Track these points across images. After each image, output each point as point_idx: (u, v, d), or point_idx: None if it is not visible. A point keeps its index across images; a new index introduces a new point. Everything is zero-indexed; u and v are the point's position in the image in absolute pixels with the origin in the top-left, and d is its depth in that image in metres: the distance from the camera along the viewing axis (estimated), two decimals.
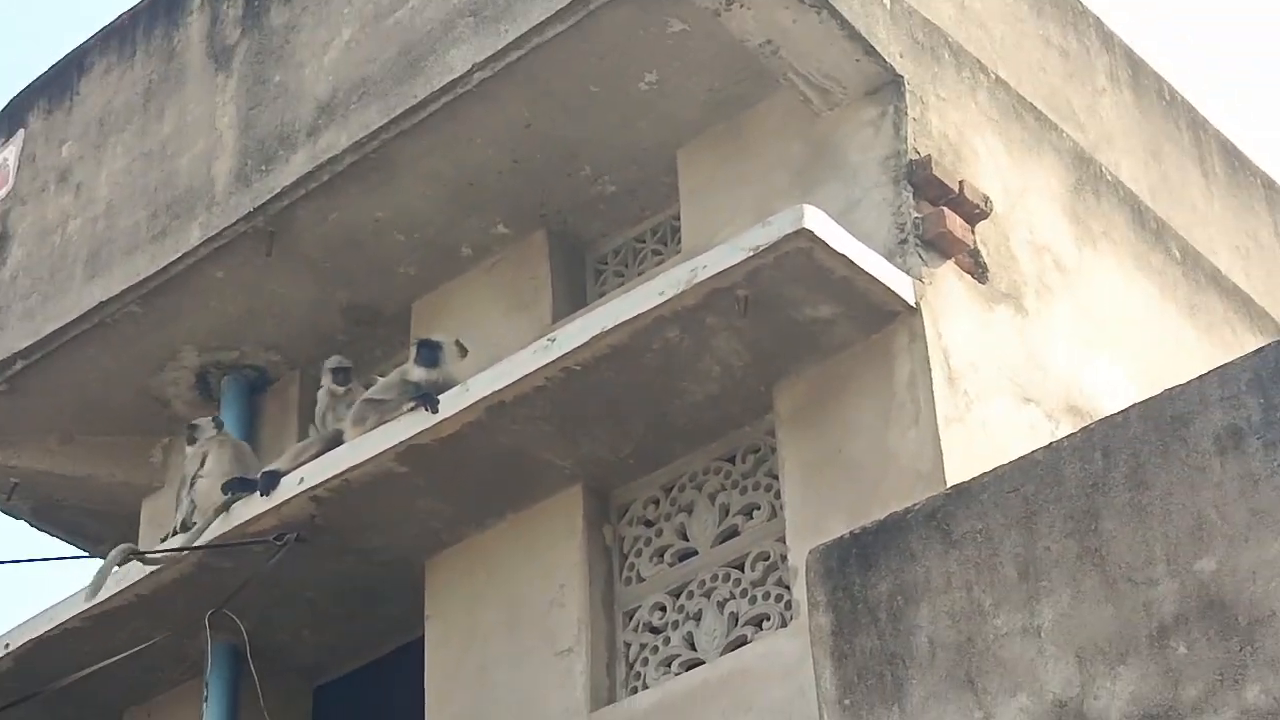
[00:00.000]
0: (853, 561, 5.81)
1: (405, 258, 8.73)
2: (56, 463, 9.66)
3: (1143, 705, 5.16)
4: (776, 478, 7.34)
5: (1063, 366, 7.69)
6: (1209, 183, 9.68)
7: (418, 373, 7.84)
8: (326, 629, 8.49)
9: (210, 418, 8.88)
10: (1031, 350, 7.56)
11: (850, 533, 5.89)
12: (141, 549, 8.45)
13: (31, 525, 10.07)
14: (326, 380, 8.49)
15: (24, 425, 9.54)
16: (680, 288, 7.04)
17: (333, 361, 8.51)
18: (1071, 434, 5.71)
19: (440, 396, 7.59)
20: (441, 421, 7.52)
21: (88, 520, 9.93)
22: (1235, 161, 10.02)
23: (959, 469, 6.65)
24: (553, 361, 7.29)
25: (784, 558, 7.16)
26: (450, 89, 8.02)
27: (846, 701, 5.64)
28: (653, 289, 7.16)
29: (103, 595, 8.18)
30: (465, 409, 7.49)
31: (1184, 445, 5.36)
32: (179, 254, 8.76)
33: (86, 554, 10.06)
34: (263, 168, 8.60)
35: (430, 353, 7.89)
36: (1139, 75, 9.51)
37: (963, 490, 5.76)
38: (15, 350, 9.25)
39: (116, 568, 8.24)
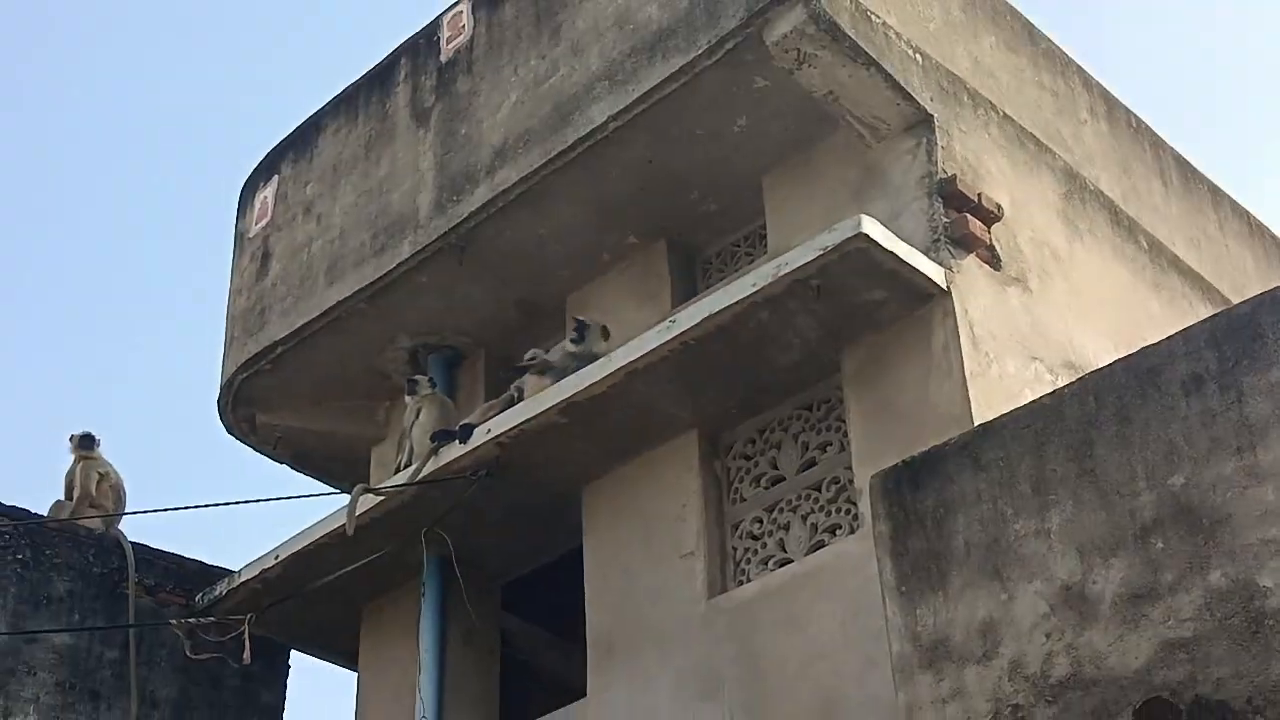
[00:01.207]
0: (905, 483, 5.78)
1: (560, 263, 8.74)
2: (308, 421, 9.76)
3: (1130, 588, 5.09)
4: (844, 421, 7.31)
5: (1060, 332, 7.59)
6: (1167, 190, 9.53)
7: (571, 346, 7.86)
8: (509, 542, 8.52)
9: (427, 377, 8.94)
10: (1035, 320, 7.47)
11: (902, 461, 5.85)
12: (372, 485, 8.52)
13: (291, 467, 10.18)
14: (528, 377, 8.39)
15: (283, 395, 9.65)
16: (768, 280, 7.02)
17: (531, 353, 8.42)
18: (1069, 383, 5.65)
19: (591, 366, 7.61)
20: (594, 384, 7.54)
21: (332, 464, 10.02)
22: (1187, 172, 9.85)
23: (983, 412, 6.60)
24: (674, 338, 7.29)
25: (851, 482, 7.13)
26: (592, 136, 8.02)
27: (903, 589, 5.61)
28: (747, 282, 7.14)
29: (349, 523, 8.23)
30: (609, 374, 7.50)
31: (1157, 389, 5.28)
32: (394, 265, 8.83)
33: (332, 490, 10.17)
34: (454, 199, 8.63)
35: (582, 330, 7.91)
36: (1112, 109, 9.38)
37: (987, 428, 5.71)
38: (275, 339, 9.35)
39: (361, 500, 8.29)
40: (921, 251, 7.07)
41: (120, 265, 27.13)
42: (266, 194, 10.03)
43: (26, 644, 8.55)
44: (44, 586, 8.78)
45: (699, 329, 7.21)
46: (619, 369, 7.46)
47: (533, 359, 8.15)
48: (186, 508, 8.39)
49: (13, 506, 8.94)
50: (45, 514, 9.30)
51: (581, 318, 8.05)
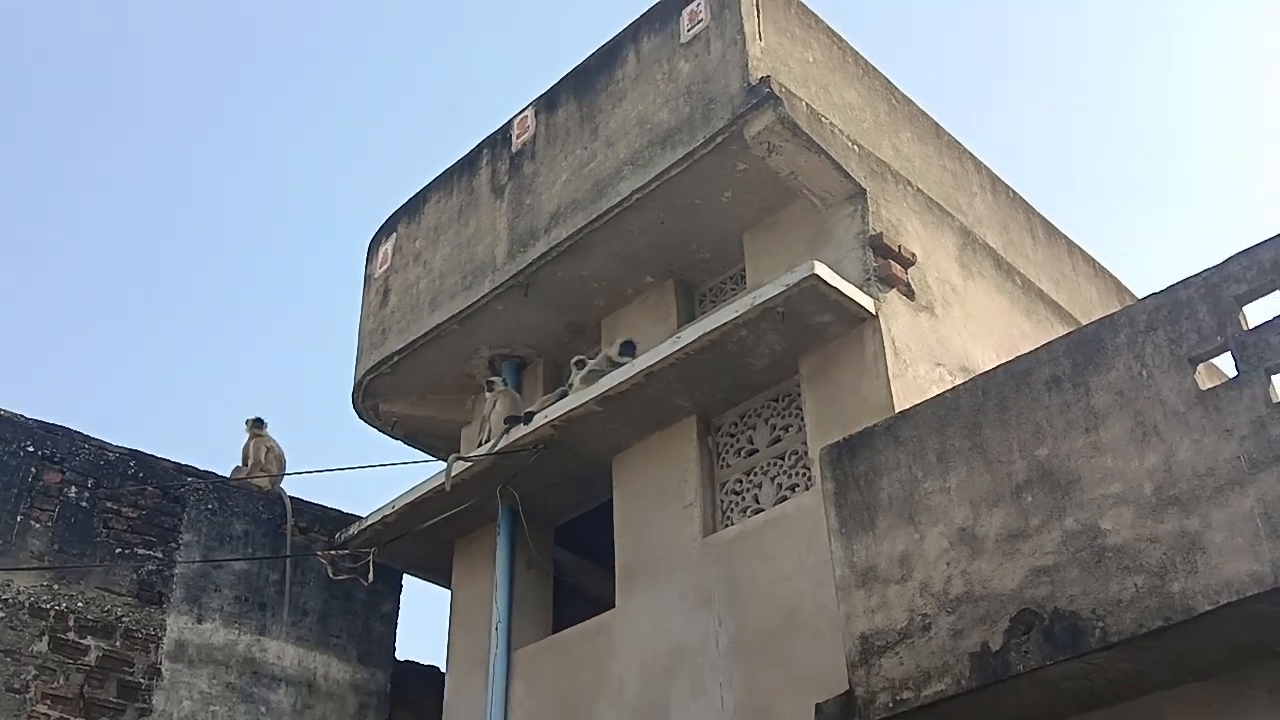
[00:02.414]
0: (845, 454, 5.76)
1: (597, 296, 8.71)
2: (416, 409, 9.74)
3: (1008, 529, 5.06)
4: (801, 409, 7.27)
5: (958, 345, 7.53)
6: (1035, 242, 9.46)
7: (619, 357, 7.83)
8: (561, 495, 8.50)
9: (500, 378, 8.94)
10: (940, 337, 7.42)
11: (843, 438, 5.83)
12: (463, 455, 8.52)
13: (404, 443, 10.17)
14: (575, 371, 8.34)
15: (400, 390, 9.62)
16: (746, 308, 6.99)
17: (577, 359, 8.40)
18: (964, 382, 5.62)
19: (620, 369, 7.58)
20: (620, 383, 7.51)
21: (432, 440, 9.98)
22: (1050, 230, 9.78)
23: (901, 403, 6.57)
24: (679, 349, 7.26)
25: (806, 453, 7.09)
26: (620, 204, 7.99)
27: (843, 530, 5.59)
28: (732, 309, 7.11)
29: (447, 482, 8.24)
30: (632, 375, 7.47)
31: (1028, 386, 5.26)
32: (477, 297, 8.80)
33: (432, 459, 10.16)
34: (521, 250, 8.61)
35: (629, 346, 7.89)
36: (995, 184, 9.32)
37: (904, 414, 5.69)
38: (394, 350, 9.32)
39: (454, 466, 8.28)
40: (857, 287, 7.03)
41: (288, 300, 27.18)
42: (387, 246, 10.04)
43: (214, 570, 8.57)
44: (227, 528, 8.79)
45: (697, 343, 7.20)
46: (640, 371, 7.45)
47: (580, 363, 8.12)
48: (329, 470, 8.42)
49: (207, 471, 8.96)
50: (228, 476, 9.31)
51: (630, 339, 8.00)
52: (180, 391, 25.05)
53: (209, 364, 25.86)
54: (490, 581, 8.42)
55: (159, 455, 8.74)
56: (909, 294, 7.34)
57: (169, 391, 24.97)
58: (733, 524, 7.31)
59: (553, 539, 8.89)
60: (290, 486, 9.49)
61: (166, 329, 25.78)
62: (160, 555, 8.37)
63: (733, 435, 7.66)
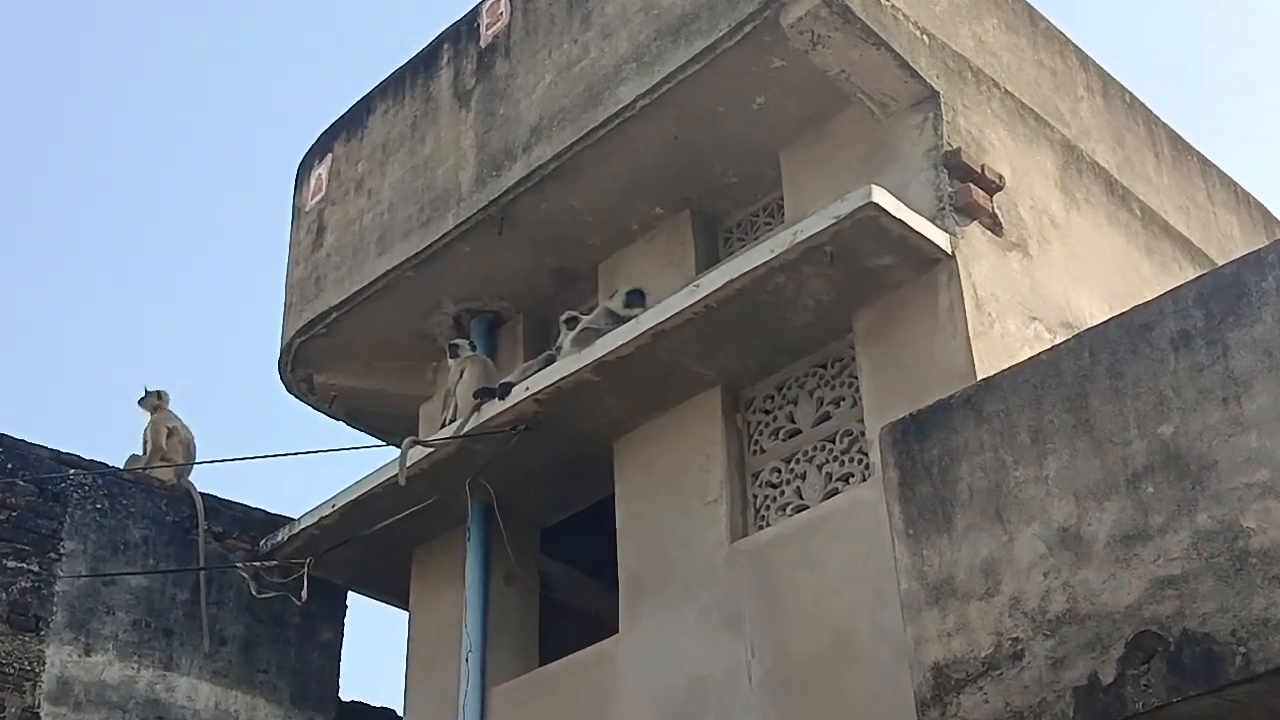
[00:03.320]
0: (912, 434, 5.75)
1: (593, 232, 8.71)
2: (360, 381, 9.79)
3: (1122, 529, 5.06)
4: (856, 377, 7.28)
5: (1058, 294, 7.53)
6: (1159, 161, 9.42)
7: (624, 310, 7.83)
8: (547, 491, 8.53)
9: (467, 340, 8.96)
10: (1035, 283, 7.41)
11: (910, 414, 5.82)
12: (421, 439, 8.54)
13: (346, 424, 10.21)
14: (564, 331, 8.30)
15: (338, 356, 9.67)
16: (785, 247, 6.98)
17: (567, 315, 8.39)
18: (1066, 340, 5.60)
19: (621, 328, 7.59)
20: (622, 345, 7.52)
21: (382, 420, 10.04)
22: (1178, 145, 9.74)
23: (985, 368, 6.57)
24: (697, 301, 7.26)
25: (863, 433, 7.10)
26: (620, 114, 7.97)
27: (911, 532, 5.59)
28: (765, 249, 7.10)
29: (401, 474, 8.26)
30: (638, 335, 7.47)
31: (1148, 345, 5.24)
32: (438, 236, 8.82)
33: (383, 443, 10.19)
34: (494, 174, 8.61)
35: (636, 297, 7.89)
36: (1107, 86, 9.27)
37: (989, 382, 5.68)
38: (330, 306, 9.36)
39: (410, 453, 8.30)
40: (928, 219, 7.01)
41: (188, 238, 27.22)
42: (321, 171, 10.03)
43: (105, 586, 8.62)
44: (121, 533, 8.85)
45: (721, 293, 7.18)
46: (646, 330, 7.44)
47: (571, 321, 8.12)
48: (250, 458, 8.44)
49: (94, 461, 8.99)
50: (121, 466, 9.36)
51: (637, 288, 7.99)
52: (60, 360, 25.17)
53: (96, 325, 25.95)
54: (458, 600, 8.46)
55: (32, 441, 8.78)
56: (995, 228, 7.32)
57: (45, 360, 25.09)
58: (769, 525, 7.33)
59: (538, 545, 8.93)
60: (201, 480, 9.55)
61: (44, 282, 25.85)
62: (36, 569, 8.42)
63: (768, 412, 7.67)
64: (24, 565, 8.40)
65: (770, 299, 7.20)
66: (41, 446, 8.80)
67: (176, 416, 9.82)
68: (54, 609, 8.41)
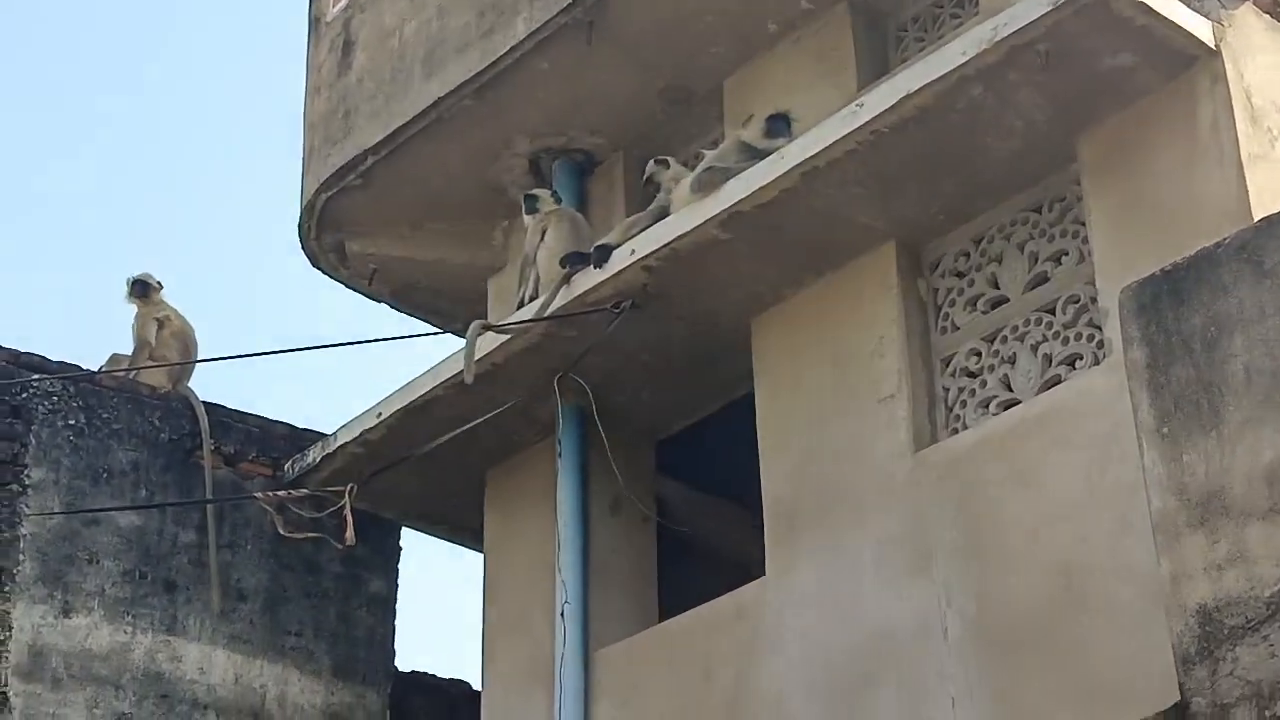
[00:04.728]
0: (1165, 297, 5.69)
1: (715, 38, 8.67)
2: (409, 249, 9.88)
3: None
4: (1083, 224, 7.21)
5: None
6: None
7: (763, 141, 7.80)
8: (663, 389, 8.60)
9: (549, 190, 9.01)
10: None
11: (1161, 270, 5.75)
12: (492, 323, 8.61)
13: (392, 307, 10.33)
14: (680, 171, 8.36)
15: (378, 216, 9.76)
16: (981, 46, 6.89)
17: (694, 154, 8.41)
18: None
19: (758, 166, 7.58)
20: (760, 189, 7.51)
21: (440, 300, 10.16)
22: None
23: (1265, 204, 6.48)
24: (861, 126, 7.21)
25: (1094, 299, 7.06)
26: None
27: (1165, 430, 5.55)
28: (955, 49, 7.02)
29: (467, 370, 8.29)
30: (781, 175, 7.46)
31: None
32: (506, 48, 8.82)
33: (440, 330, 10.31)
34: None
35: (779, 124, 7.88)
36: None
37: (1273, 222, 5.58)
38: (365, 147, 9.42)
39: (479, 341, 8.36)
40: (1182, 1, 6.88)
41: (170, 62, 27.44)
42: None
43: (86, 526, 8.85)
44: (103, 457, 9.06)
45: (893, 113, 7.12)
46: (794, 168, 7.42)
47: (694, 159, 8.12)
48: (269, 354, 8.53)
49: (61, 363, 9.18)
50: (98, 369, 9.52)
51: (780, 111, 7.96)
52: (18, 234, 25.67)
53: (65, 186, 26.36)
54: (549, 537, 8.59)
55: None
56: (1278, 10, 7.16)
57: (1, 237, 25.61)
58: (965, 427, 7.34)
59: (653, 462, 9.03)
60: (205, 387, 9.74)
61: None
62: None
63: (961, 274, 7.64)
64: None
65: (962, 120, 7.13)
66: None
67: (170, 306, 10.00)
68: (20, 557, 8.65)
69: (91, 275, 25.28)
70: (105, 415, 9.14)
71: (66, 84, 26.86)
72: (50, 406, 8.97)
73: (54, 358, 9.14)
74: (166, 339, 9.89)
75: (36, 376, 8.98)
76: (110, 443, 9.10)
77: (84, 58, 27.10)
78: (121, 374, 9.52)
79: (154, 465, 9.19)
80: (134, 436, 9.19)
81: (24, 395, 8.89)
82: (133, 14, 27.31)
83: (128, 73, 27.44)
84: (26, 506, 8.73)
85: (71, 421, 9.02)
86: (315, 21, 10.29)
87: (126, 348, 9.88)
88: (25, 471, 8.80)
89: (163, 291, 10.07)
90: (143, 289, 10.03)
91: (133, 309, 10.00)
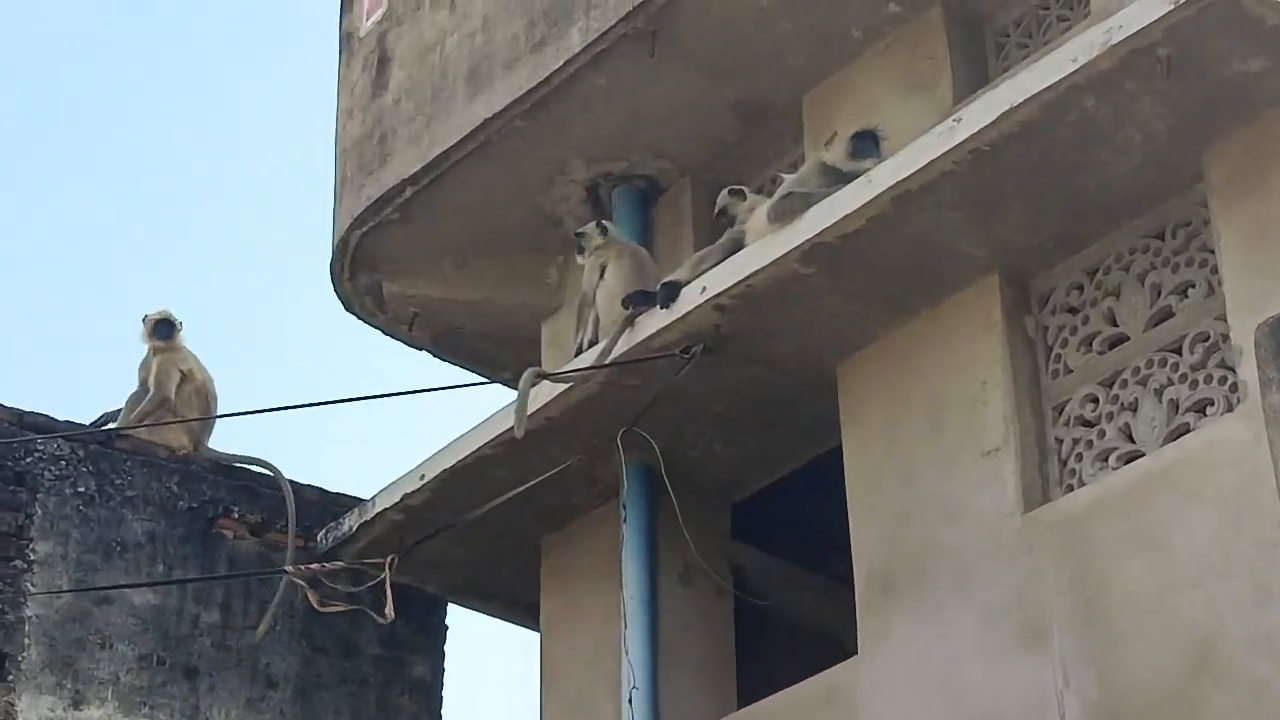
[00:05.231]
0: None
1: (793, 47, 8.68)
2: (453, 289, 9.92)
3: None
4: (1212, 252, 7.16)
5: None
6: None
7: (849, 163, 7.80)
8: (740, 442, 8.58)
9: (595, 222, 8.97)
10: None
11: None
12: (547, 371, 8.61)
13: (433, 355, 10.36)
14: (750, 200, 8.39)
15: (418, 253, 9.81)
16: (1094, 52, 6.84)
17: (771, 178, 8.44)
18: None
19: (842, 191, 7.56)
20: (846, 217, 7.49)
21: (488, 346, 10.19)
22: None
23: None
24: (959, 144, 7.17)
25: (1225, 337, 7.00)
26: None
27: None
28: (1063, 56, 6.97)
29: (518, 425, 8.24)
30: (869, 201, 7.43)
31: None
32: (560, 63, 8.85)
33: (488, 380, 10.31)
34: None
35: (866, 142, 7.88)
36: None
37: None
38: (404, 176, 9.48)
39: (533, 392, 8.33)
40: None
41: (190, 85, 27.70)
42: None
43: (98, 606, 8.87)
44: (115, 528, 9.09)
45: (995, 129, 7.09)
46: (883, 193, 7.39)
47: (771, 183, 8.12)
48: (296, 407, 8.50)
49: (68, 423, 9.23)
50: (111, 423, 9.55)
51: (868, 128, 7.97)
52: (22, 275, 25.91)
53: (65, 230, 26.61)
54: (613, 611, 8.56)
55: None
56: None
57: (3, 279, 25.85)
58: (1082, 483, 7.30)
59: (728, 526, 9.01)
60: (220, 446, 9.74)
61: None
62: None
63: (1074, 310, 7.60)
64: None
65: (1074, 135, 7.10)
66: None
67: (190, 353, 9.99)
68: (25, 642, 8.69)
69: (98, 322, 25.48)
70: (118, 481, 9.18)
71: (102, 103, 27.14)
72: (57, 472, 9.01)
73: (60, 416, 9.20)
74: (188, 396, 9.87)
75: (42, 438, 9.02)
76: (124, 512, 9.14)
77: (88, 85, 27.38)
78: (144, 427, 9.48)
79: (172, 537, 9.21)
80: (150, 505, 9.23)
81: (28, 459, 8.94)
82: (142, 28, 27.58)
83: (162, 102, 27.69)
84: (32, 584, 8.76)
85: (81, 489, 9.06)
86: (347, 37, 10.35)
87: (119, 398, 9.85)
88: (30, 545, 8.84)
89: (182, 333, 10.02)
90: (167, 330, 9.95)
91: (147, 351, 9.92)
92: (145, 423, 9.59)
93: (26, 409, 9.10)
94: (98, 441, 9.25)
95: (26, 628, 8.70)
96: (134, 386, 9.87)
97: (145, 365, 9.90)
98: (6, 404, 9.07)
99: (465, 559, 9.24)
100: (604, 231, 8.91)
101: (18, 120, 26.26)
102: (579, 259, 8.88)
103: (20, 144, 26.24)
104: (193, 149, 27.42)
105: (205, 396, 9.92)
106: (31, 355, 24.10)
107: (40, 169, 26.43)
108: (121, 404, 9.86)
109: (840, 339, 8.01)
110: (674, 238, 9.29)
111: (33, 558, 8.81)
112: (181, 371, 9.85)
